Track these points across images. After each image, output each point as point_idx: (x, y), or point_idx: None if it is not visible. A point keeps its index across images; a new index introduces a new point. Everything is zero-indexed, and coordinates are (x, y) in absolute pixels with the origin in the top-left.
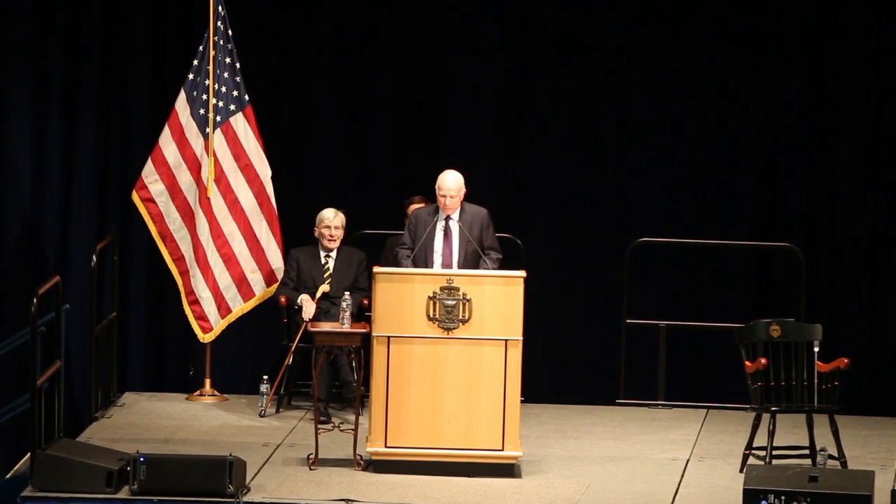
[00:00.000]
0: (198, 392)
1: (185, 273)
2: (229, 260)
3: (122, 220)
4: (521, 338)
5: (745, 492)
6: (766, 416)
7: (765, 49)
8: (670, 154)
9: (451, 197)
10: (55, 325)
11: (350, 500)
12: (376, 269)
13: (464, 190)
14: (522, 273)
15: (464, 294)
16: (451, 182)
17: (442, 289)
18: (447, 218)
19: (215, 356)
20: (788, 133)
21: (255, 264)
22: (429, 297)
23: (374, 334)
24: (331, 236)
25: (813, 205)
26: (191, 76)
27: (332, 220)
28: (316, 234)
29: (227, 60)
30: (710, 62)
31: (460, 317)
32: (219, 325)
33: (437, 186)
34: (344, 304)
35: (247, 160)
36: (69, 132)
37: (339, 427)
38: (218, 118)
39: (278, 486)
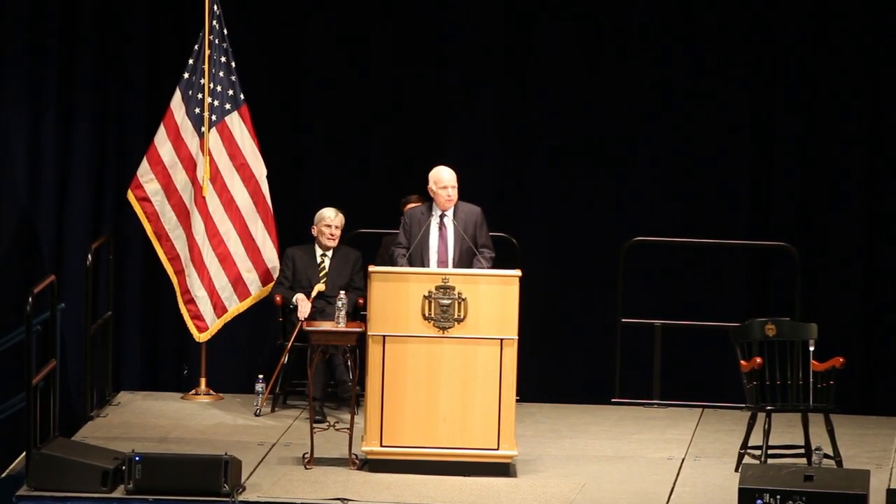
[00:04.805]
0: (193, 391)
1: (180, 272)
2: (225, 259)
3: (117, 219)
4: (517, 337)
5: (741, 491)
6: (761, 416)
7: (759, 48)
8: (665, 153)
9: (453, 187)
10: (50, 324)
11: (345, 500)
12: (371, 268)
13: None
14: (518, 272)
15: (459, 293)
16: (449, 175)
17: (437, 288)
18: (442, 216)
19: (211, 355)
20: (784, 132)
21: (251, 263)
22: (424, 296)
23: (369, 333)
24: (331, 235)
25: (808, 204)
26: (186, 75)
27: (332, 219)
28: (314, 232)
29: (223, 59)
30: (705, 61)
31: (456, 316)
32: (214, 324)
33: (433, 182)
34: (339, 304)
35: (242, 159)
36: (65, 131)
37: (334, 426)
38: (213, 117)
39: (273, 485)
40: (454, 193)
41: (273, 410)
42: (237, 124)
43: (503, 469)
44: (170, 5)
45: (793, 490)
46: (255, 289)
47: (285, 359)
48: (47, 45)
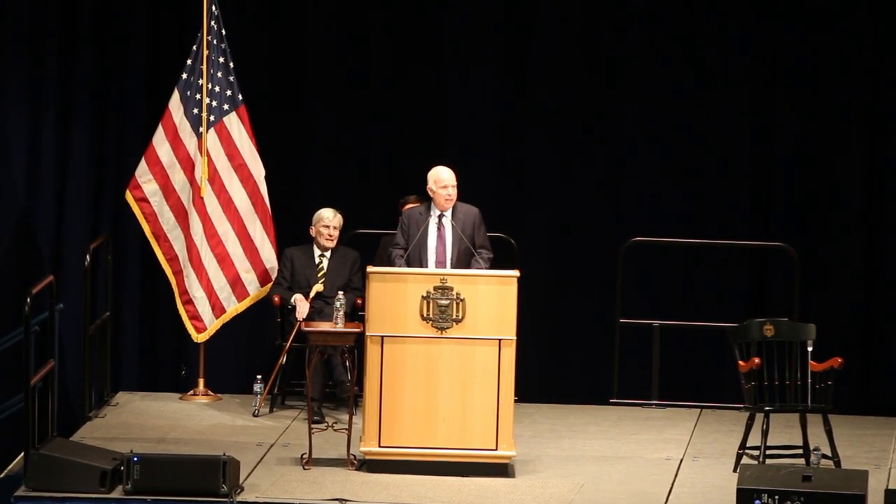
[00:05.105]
0: (191, 392)
1: (178, 273)
2: (223, 260)
3: (115, 219)
4: (515, 337)
5: (739, 491)
6: (759, 416)
7: (759, 47)
8: (664, 154)
9: (453, 187)
10: (49, 325)
11: (344, 500)
12: (370, 268)
13: None
14: (516, 273)
15: (457, 294)
16: (449, 175)
17: (435, 288)
18: (440, 216)
19: (209, 356)
20: (783, 132)
21: (249, 264)
22: (422, 296)
23: (367, 334)
24: (329, 235)
25: (807, 204)
26: (184, 76)
27: (331, 219)
28: (312, 232)
29: (221, 60)
30: (704, 61)
31: (454, 316)
32: (213, 324)
33: (432, 182)
34: (338, 304)
35: (240, 160)
36: (63, 131)
37: (332, 427)
38: (211, 118)
39: (272, 485)
40: (454, 193)
41: (271, 411)
42: (235, 125)
43: (501, 469)
44: (169, 5)
45: (791, 490)
46: (254, 289)
47: (283, 359)
48: (47, 45)
